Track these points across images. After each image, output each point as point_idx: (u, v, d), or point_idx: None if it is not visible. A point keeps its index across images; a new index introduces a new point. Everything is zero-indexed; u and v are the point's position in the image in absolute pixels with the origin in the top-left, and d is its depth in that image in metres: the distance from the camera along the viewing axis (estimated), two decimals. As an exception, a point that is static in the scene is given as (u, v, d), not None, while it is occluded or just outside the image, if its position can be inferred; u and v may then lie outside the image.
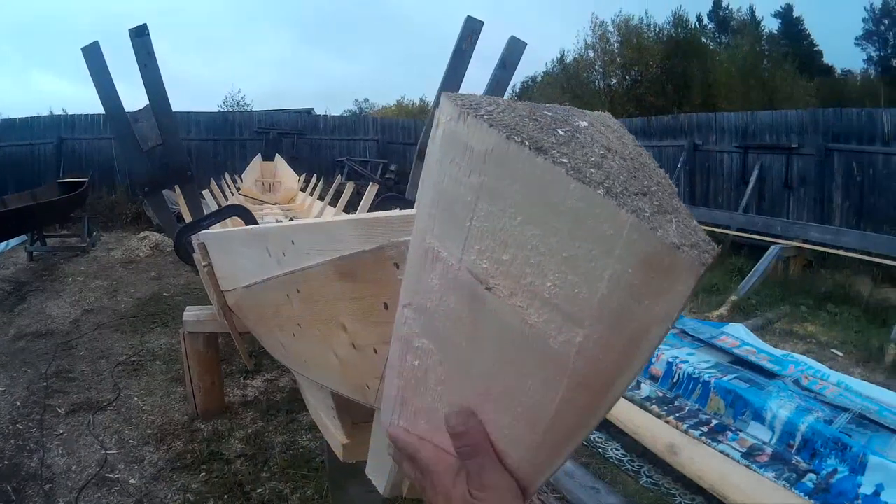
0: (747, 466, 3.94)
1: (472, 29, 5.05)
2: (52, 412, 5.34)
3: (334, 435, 1.96)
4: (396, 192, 15.54)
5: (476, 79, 5.44)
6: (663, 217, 0.58)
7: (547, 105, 0.72)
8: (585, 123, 0.70)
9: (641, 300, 0.58)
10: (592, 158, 0.61)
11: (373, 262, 1.12)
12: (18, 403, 5.51)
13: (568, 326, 0.62)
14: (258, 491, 4.17)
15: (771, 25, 39.31)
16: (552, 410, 0.69)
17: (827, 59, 42.54)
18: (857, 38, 44.02)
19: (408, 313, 0.86)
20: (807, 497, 3.64)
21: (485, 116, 0.64)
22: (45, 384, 5.92)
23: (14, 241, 13.14)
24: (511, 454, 0.79)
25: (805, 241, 10.88)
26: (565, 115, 0.71)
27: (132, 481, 4.31)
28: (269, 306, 2.05)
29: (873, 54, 42.55)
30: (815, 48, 42.23)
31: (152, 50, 4.99)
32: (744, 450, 4.09)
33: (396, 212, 1.13)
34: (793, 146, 13.01)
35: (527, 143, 0.60)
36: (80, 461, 4.56)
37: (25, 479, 4.34)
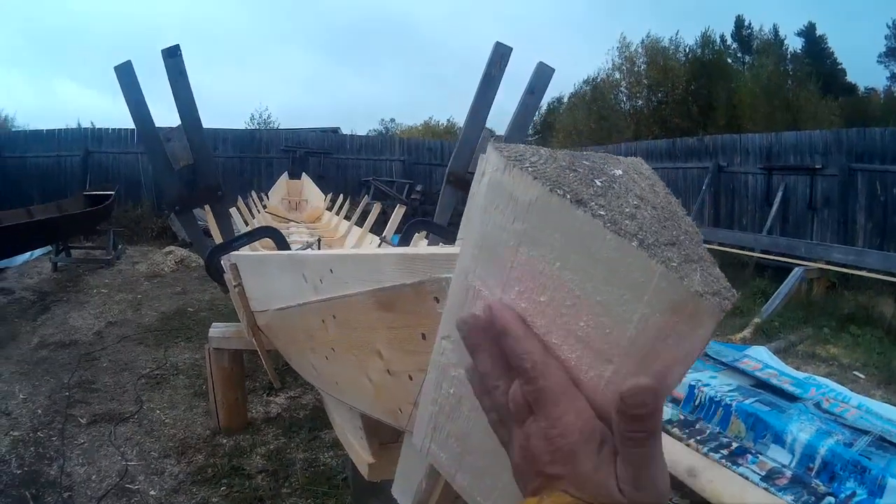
0: (766, 489, 3.93)
1: (500, 54, 5.09)
2: (73, 422, 5.38)
3: (360, 454, 2.01)
4: (422, 213, 15.58)
5: (502, 104, 5.48)
6: (689, 266, 0.62)
7: (585, 154, 0.75)
8: (620, 172, 0.73)
9: (666, 341, 0.61)
10: (627, 210, 0.65)
11: (413, 294, 1.18)
12: (40, 412, 5.56)
13: (598, 362, 0.65)
14: (278, 507, 4.19)
15: (794, 44, 39.18)
16: None
17: (850, 78, 42.36)
18: (879, 56, 44.11)
19: (446, 344, 0.89)
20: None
21: (529, 169, 0.67)
22: (66, 394, 5.97)
23: (39, 252, 13.25)
24: None
25: (828, 263, 10.80)
26: (602, 164, 0.74)
27: (152, 493, 4.34)
28: (302, 330, 2.11)
29: (896, 71, 42.46)
30: (839, 66, 42.01)
31: (185, 70, 5.03)
32: (763, 472, 4.09)
33: (438, 248, 1.18)
34: (817, 167, 12.95)
35: (568, 196, 0.63)
36: (100, 471, 4.59)
37: (45, 486, 4.38)
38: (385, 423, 1.54)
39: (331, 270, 1.62)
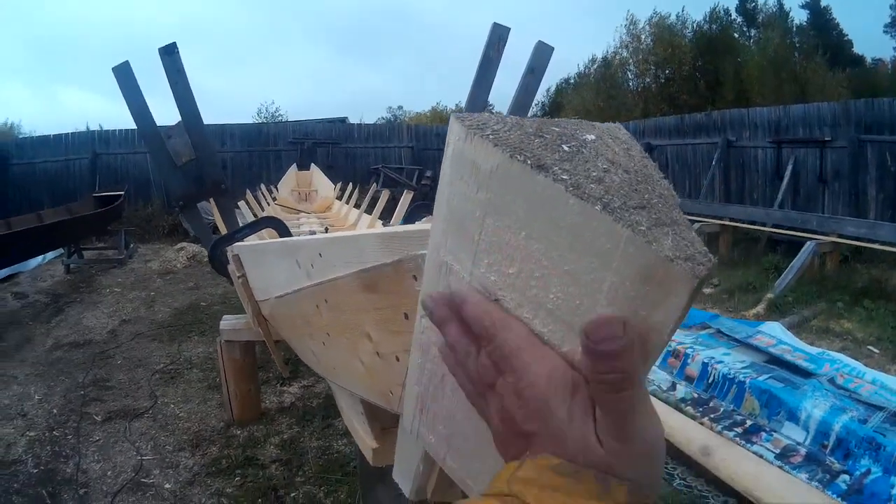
0: (780, 468, 3.91)
1: (499, 35, 5.01)
2: (88, 419, 5.42)
3: (364, 439, 2.00)
4: (432, 198, 15.67)
5: (504, 86, 5.44)
6: (660, 230, 0.59)
7: (558, 120, 0.73)
8: (593, 137, 0.71)
9: (638, 311, 0.59)
10: (595, 173, 0.63)
11: (393, 273, 1.18)
12: (55, 411, 5.60)
13: (570, 336, 0.63)
14: (292, 495, 4.20)
15: (799, 17, 38.79)
16: None
17: (857, 49, 41.92)
18: (885, 26, 43.52)
19: (425, 323, 0.88)
20: (839, 499, 3.61)
21: (490, 136, 0.66)
22: (81, 392, 6.01)
23: (51, 255, 13.35)
24: None
25: (840, 236, 10.66)
26: (574, 129, 0.72)
27: (167, 486, 4.36)
28: (299, 316, 2.11)
29: (903, 42, 41.97)
30: (845, 38, 41.50)
31: (182, 67, 5.05)
32: (778, 450, 4.07)
33: (414, 226, 1.18)
34: (826, 139, 12.81)
35: (529, 162, 0.62)
36: (115, 466, 4.63)
37: (61, 483, 4.41)
38: (382, 407, 1.54)
39: (320, 254, 1.62)
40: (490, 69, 5.06)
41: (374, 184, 13.29)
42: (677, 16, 32.35)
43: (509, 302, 0.68)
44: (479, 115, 0.71)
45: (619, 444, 0.58)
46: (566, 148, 0.66)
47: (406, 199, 7.97)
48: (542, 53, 5.08)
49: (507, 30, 5.03)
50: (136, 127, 5.14)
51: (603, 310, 0.60)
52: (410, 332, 0.98)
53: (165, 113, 5.17)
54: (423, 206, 4.75)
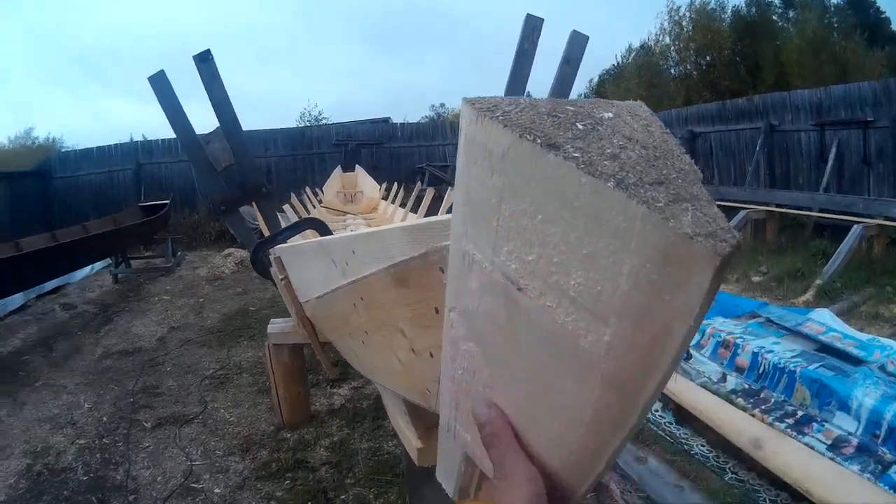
0: (832, 459, 3.85)
1: (532, 26, 4.96)
2: (138, 426, 5.48)
3: (409, 439, 2.00)
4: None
5: (543, 79, 5.38)
6: (678, 206, 0.56)
7: (573, 101, 0.71)
8: (610, 115, 0.68)
9: (661, 295, 0.56)
10: (609, 150, 0.61)
11: (421, 267, 1.17)
12: (105, 419, 5.67)
13: (595, 325, 0.61)
14: (342, 497, 4.21)
15: (836, -5, 38.47)
16: (588, 411, 0.68)
17: (894, 27, 41.52)
18: (924, 1, 42.85)
19: (453, 317, 0.87)
20: (892, 491, 3.55)
21: (500, 117, 0.64)
22: (131, 400, 6.09)
23: (99, 265, 13.58)
24: (553, 456, 0.77)
25: (886, 218, 10.43)
26: (590, 108, 0.69)
27: (217, 490, 4.40)
28: (339, 315, 2.11)
29: (941, 15, 41.39)
30: (882, 15, 41.05)
31: (217, 73, 5.08)
32: (829, 441, 4.00)
33: (438, 216, 1.16)
34: (868, 119, 12.49)
35: (539, 141, 0.60)
36: (165, 472, 4.68)
37: (111, 490, 4.47)
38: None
39: (353, 252, 1.61)
40: (525, 62, 5.01)
41: (420, 182, 13.29)
42: (717, 0, 32.13)
43: (532, 291, 0.67)
44: (490, 98, 0.69)
45: (500, 483, 0.79)
46: (580, 126, 0.64)
47: (450, 195, 7.94)
48: (576, 43, 5.01)
49: (541, 20, 4.97)
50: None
51: (624, 295, 0.58)
52: (441, 326, 0.96)
53: (208, 119, 5.20)
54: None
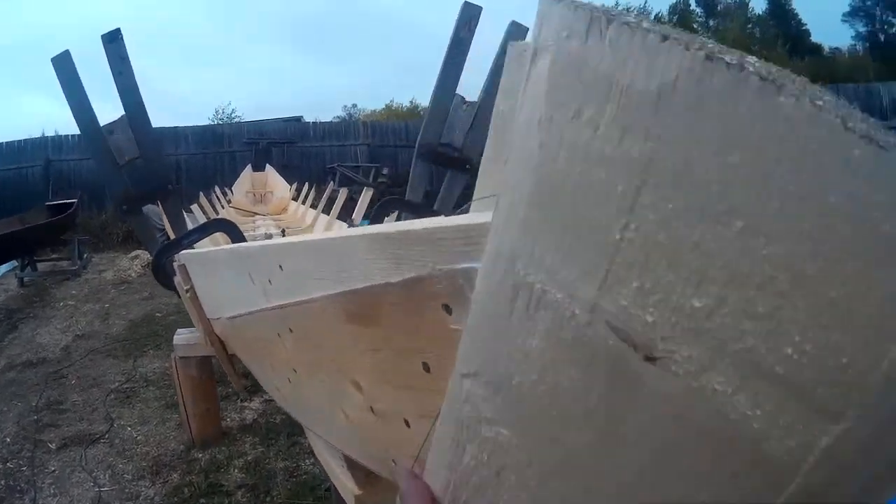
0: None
1: (470, 15, 4.71)
2: (43, 448, 5.14)
3: (345, 483, 1.59)
4: (392, 195, 15.49)
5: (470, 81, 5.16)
6: None
7: None
8: None
9: None
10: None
11: (404, 299, 0.73)
12: (9, 440, 5.32)
13: (812, 422, 0.32)
14: (261, 525, 3.95)
15: (758, 7, 39.57)
16: None
17: (815, 38, 42.98)
18: (843, 15, 44.53)
19: (471, 387, 0.54)
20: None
21: (647, 27, 0.34)
22: (35, 418, 5.72)
23: (4, 268, 13.02)
24: None
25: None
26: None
27: (127, 520, 4.10)
28: (258, 343, 1.70)
29: (861, 30, 43.04)
30: (804, 27, 42.50)
31: (126, 55, 4.71)
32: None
33: (442, 219, 0.78)
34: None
35: (761, 74, 0.31)
36: (72, 500, 4.37)
37: (17, 523, 4.15)
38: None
39: (280, 267, 1.17)
40: (461, 51, 4.73)
41: (331, 183, 13.07)
42: (639, 9, 32.78)
43: (682, 362, 0.35)
44: (588, 3, 0.37)
45: None
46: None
47: (366, 196, 7.77)
48: (516, 35, 4.76)
49: (479, 9, 4.71)
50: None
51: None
52: (434, 391, 0.65)
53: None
54: (393, 202, 4.38)
